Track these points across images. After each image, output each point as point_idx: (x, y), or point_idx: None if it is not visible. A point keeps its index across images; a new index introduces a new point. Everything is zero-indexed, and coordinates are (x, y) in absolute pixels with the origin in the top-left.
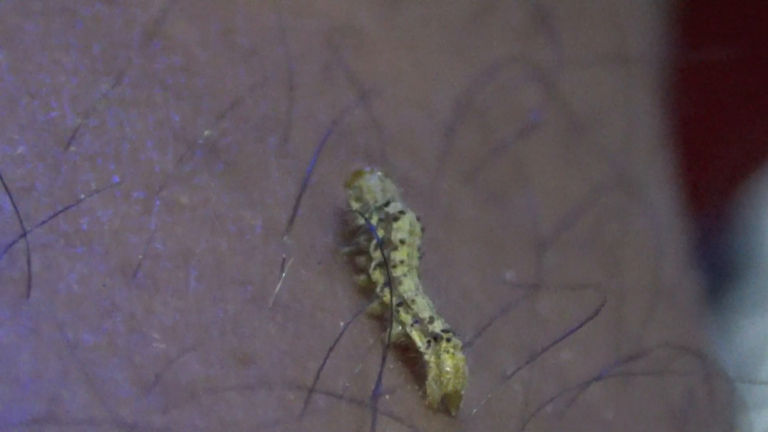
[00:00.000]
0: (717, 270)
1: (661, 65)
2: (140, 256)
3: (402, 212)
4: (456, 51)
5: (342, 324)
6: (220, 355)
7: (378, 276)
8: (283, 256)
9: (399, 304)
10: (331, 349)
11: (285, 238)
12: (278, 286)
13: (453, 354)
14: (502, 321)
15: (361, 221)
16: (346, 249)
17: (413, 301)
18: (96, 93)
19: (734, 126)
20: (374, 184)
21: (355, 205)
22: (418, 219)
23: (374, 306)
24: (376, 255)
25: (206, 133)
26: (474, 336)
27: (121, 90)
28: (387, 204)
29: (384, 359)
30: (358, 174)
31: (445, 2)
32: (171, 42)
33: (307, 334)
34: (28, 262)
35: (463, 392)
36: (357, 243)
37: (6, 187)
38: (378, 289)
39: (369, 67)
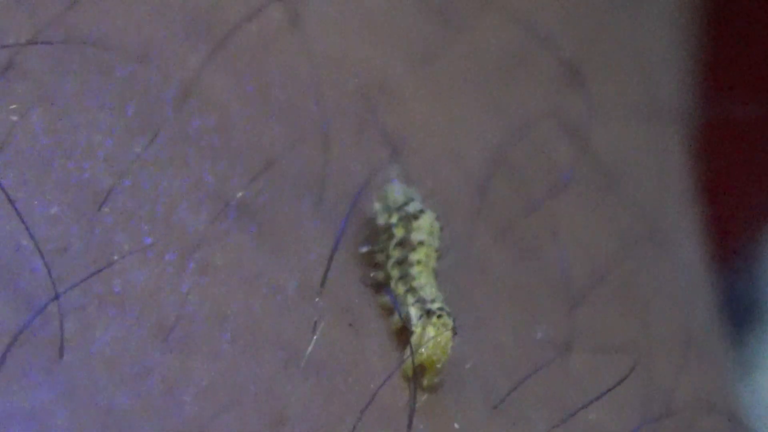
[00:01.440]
0: (746, 323)
1: (692, 119)
2: (174, 318)
3: (422, 211)
4: (489, 106)
5: (372, 386)
6: (255, 416)
7: (394, 272)
8: (315, 318)
9: (408, 291)
10: (363, 411)
11: (317, 299)
12: (310, 348)
13: (439, 328)
14: (534, 380)
15: (382, 220)
16: (364, 249)
17: (422, 288)
18: (130, 153)
19: (764, 179)
20: (398, 188)
21: (378, 206)
22: (438, 219)
23: (396, 319)
24: (395, 253)
25: (240, 194)
26: (506, 394)
27: (156, 150)
28: (407, 203)
29: (411, 418)
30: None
31: (478, 58)
32: (206, 101)
33: (340, 395)
34: (61, 324)
35: (439, 367)
36: (377, 243)
37: (39, 249)
38: (392, 284)
39: (403, 122)
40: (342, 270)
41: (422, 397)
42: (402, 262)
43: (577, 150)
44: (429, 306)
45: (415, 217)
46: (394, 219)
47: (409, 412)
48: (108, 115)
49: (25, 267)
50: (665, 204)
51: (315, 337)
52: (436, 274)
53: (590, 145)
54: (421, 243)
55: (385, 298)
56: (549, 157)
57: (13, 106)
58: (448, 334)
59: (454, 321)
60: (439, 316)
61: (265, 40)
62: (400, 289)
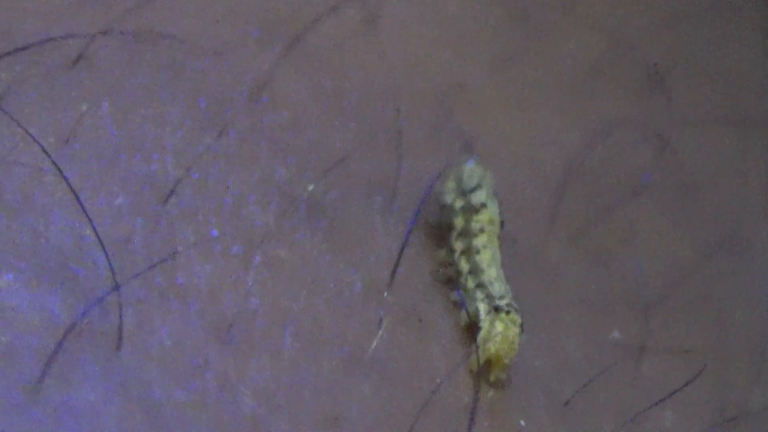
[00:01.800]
0: None
1: None
2: (236, 313)
3: (484, 205)
4: (568, 111)
5: (436, 383)
6: (311, 415)
7: (464, 265)
8: (381, 314)
9: (477, 286)
10: (422, 407)
11: (385, 294)
12: (374, 344)
13: (507, 323)
14: (603, 381)
15: (448, 199)
16: (432, 220)
17: (491, 283)
18: (200, 146)
19: None
20: (472, 169)
21: (450, 186)
22: (500, 213)
23: (464, 315)
24: (458, 245)
25: (310, 188)
26: (574, 393)
27: (226, 144)
28: (474, 190)
29: (474, 414)
30: (460, 161)
31: (559, 63)
32: (280, 97)
33: (402, 394)
34: (120, 315)
35: (507, 362)
36: (442, 224)
37: (101, 240)
38: (462, 279)
39: (479, 125)
40: (411, 266)
41: (488, 394)
42: (467, 251)
43: (657, 156)
44: (497, 302)
45: (476, 210)
46: (457, 205)
47: (471, 408)
48: (179, 109)
49: (87, 258)
50: (747, 212)
51: (380, 333)
52: (504, 268)
53: (671, 151)
54: (482, 230)
55: (455, 294)
56: (627, 163)
57: (83, 97)
58: (516, 330)
59: (522, 318)
60: (508, 312)
61: (341, 39)
62: (471, 283)
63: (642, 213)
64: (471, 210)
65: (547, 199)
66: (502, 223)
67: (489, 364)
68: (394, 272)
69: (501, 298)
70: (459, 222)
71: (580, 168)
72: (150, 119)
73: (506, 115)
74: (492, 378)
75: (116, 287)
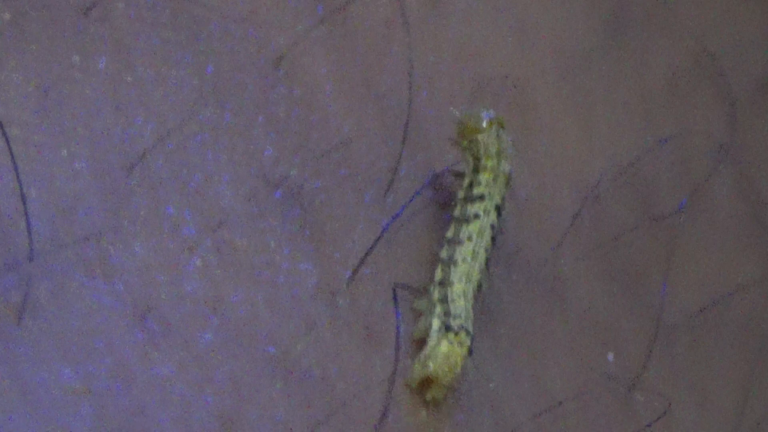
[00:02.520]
0: None
1: None
2: (161, 298)
3: (477, 216)
4: (630, 125)
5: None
6: (203, 415)
7: (438, 272)
8: (320, 316)
9: (439, 300)
10: (329, 416)
11: (336, 297)
12: (299, 347)
13: (453, 345)
14: (592, 408)
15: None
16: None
17: (453, 300)
18: (189, 114)
19: None
20: (490, 140)
21: (468, 158)
22: (493, 227)
23: (419, 326)
24: (443, 252)
25: (292, 172)
26: (524, 421)
27: (220, 115)
28: (474, 199)
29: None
30: (475, 119)
31: (636, 73)
32: (297, 72)
33: (313, 403)
34: (29, 288)
35: (445, 383)
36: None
37: (25, 204)
38: (431, 288)
39: (528, 122)
40: (379, 268)
41: (420, 413)
42: (448, 261)
43: (706, 177)
44: (450, 321)
45: (468, 221)
46: (455, 212)
47: (375, 426)
48: (181, 73)
49: (21, 222)
50: None
51: (310, 336)
52: (480, 287)
53: (725, 176)
54: (469, 239)
55: (417, 303)
56: (675, 179)
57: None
58: (462, 352)
59: (471, 341)
60: (457, 333)
61: (389, 16)
62: (435, 295)
63: (676, 235)
64: (463, 220)
65: (572, 210)
66: (493, 238)
67: (429, 382)
68: (355, 272)
69: (456, 317)
70: (450, 231)
71: (618, 180)
72: (146, 80)
73: (558, 119)
74: (428, 397)
75: (31, 257)
